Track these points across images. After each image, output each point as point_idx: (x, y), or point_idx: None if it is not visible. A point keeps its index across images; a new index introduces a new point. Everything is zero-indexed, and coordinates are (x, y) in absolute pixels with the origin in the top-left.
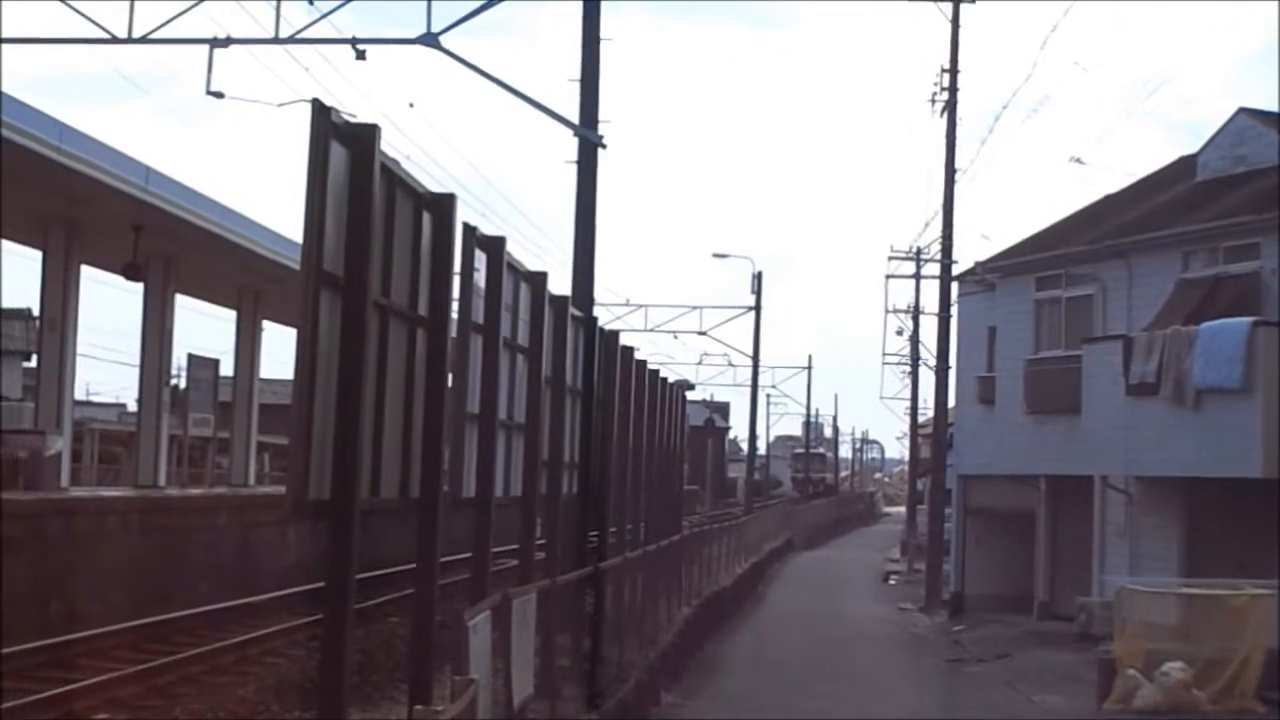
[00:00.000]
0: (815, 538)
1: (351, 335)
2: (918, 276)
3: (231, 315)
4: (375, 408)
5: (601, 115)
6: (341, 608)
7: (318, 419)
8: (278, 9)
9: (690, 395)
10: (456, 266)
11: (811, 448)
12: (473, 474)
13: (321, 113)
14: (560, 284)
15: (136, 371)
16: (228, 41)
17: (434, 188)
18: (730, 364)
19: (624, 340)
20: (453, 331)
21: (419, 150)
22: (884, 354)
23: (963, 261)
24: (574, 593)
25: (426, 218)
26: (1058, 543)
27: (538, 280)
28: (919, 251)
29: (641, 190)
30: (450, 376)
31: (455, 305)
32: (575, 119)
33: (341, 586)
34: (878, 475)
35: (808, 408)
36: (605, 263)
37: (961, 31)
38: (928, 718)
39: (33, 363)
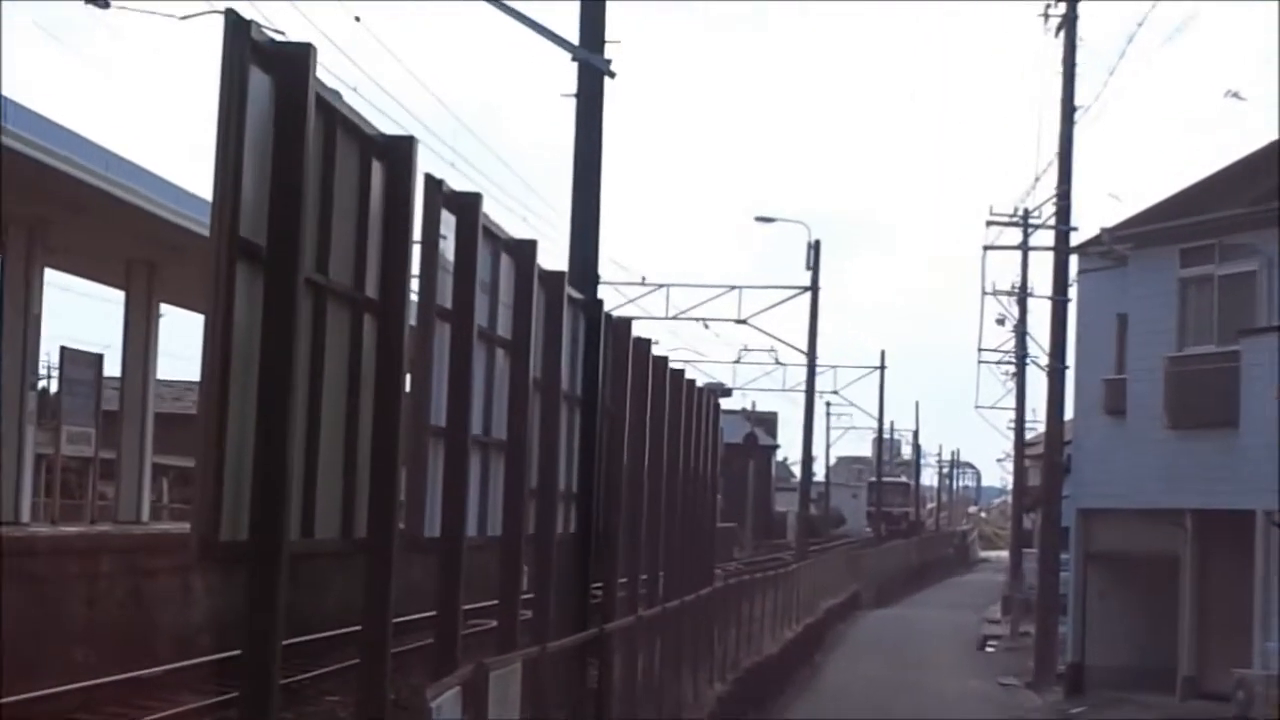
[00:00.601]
0: (889, 591)
1: (277, 323)
2: (1025, 248)
3: (119, 296)
4: (309, 419)
5: (609, 35)
6: (264, 682)
7: (232, 434)
8: None
9: (725, 403)
10: (417, 233)
11: (891, 475)
12: (437, 507)
13: (238, 28)
14: (555, 257)
15: None
16: None
17: (388, 129)
18: (778, 362)
19: (638, 330)
20: (412, 318)
21: (368, 81)
22: (980, 350)
23: (1084, 228)
24: (571, 663)
25: (378, 168)
26: (1208, 598)
27: (524, 251)
28: (1026, 215)
29: (661, 138)
30: (408, 378)
31: (415, 284)
32: (575, 39)
33: (264, 654)
34: (972, 509)
35: (880, 420)
36: (614, 230)
37: None
38: None
39: None
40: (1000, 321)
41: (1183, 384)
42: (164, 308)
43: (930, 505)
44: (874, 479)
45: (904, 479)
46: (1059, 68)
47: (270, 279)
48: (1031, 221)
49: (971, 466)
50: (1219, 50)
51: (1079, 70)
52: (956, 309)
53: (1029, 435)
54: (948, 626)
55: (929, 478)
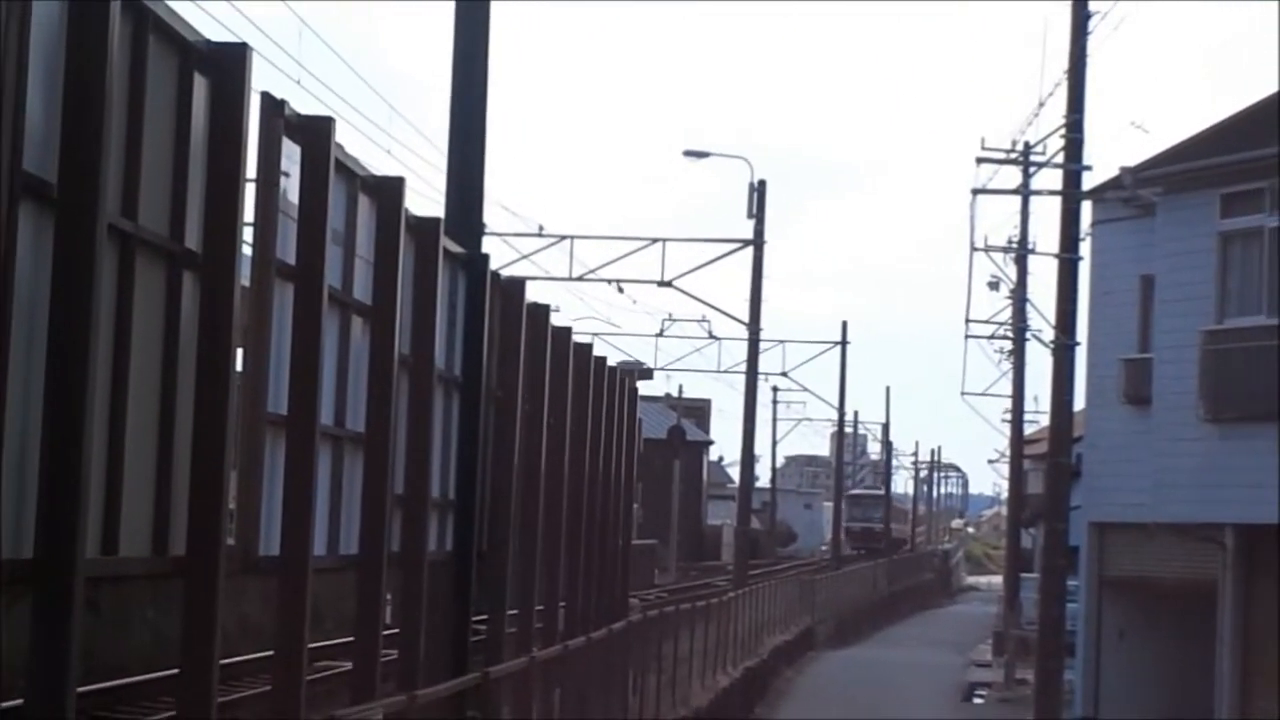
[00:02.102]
0: (852, 626)
1: (72, 281)
2: (1025, 192)
3: None
4: (112, 405)
5: None
6: None
7: (12, 423)
8: None
9: (645, 387)
10: (251, 169)
11: (854, 478)
12: (277, 518)
13: None
14: (429, 201)
15: None
16: None
17: (214, 34)
18: (712, 336)
19: (534, 294)
20: (245, 277)
21: None
22: (968, 321)
23: (1100, 168)
24: (447, 716)
25: (201, 84)
26: (1254, 636)
27: (389, 191)
28: (1027, 150)
29: (569, 55)
30: (240, 353)
31: (249, 233)
32: None
33: (53, 704)
34: (956, 523)
35: (841, 410)
36: (504, 168)
37: None
38: None
39: None
40: (994, 285)
41: (1223, 365)
42: None
43: (906, 518)
44: (853, 491)
45: (878, 488)
46: None
47: (63, 225)
48: (1033, 159)
49: (956, 469)
50: None
51: None
52: (938, 270)
53: (1029, 430)
54: (925, 671)
55: (902, 483)
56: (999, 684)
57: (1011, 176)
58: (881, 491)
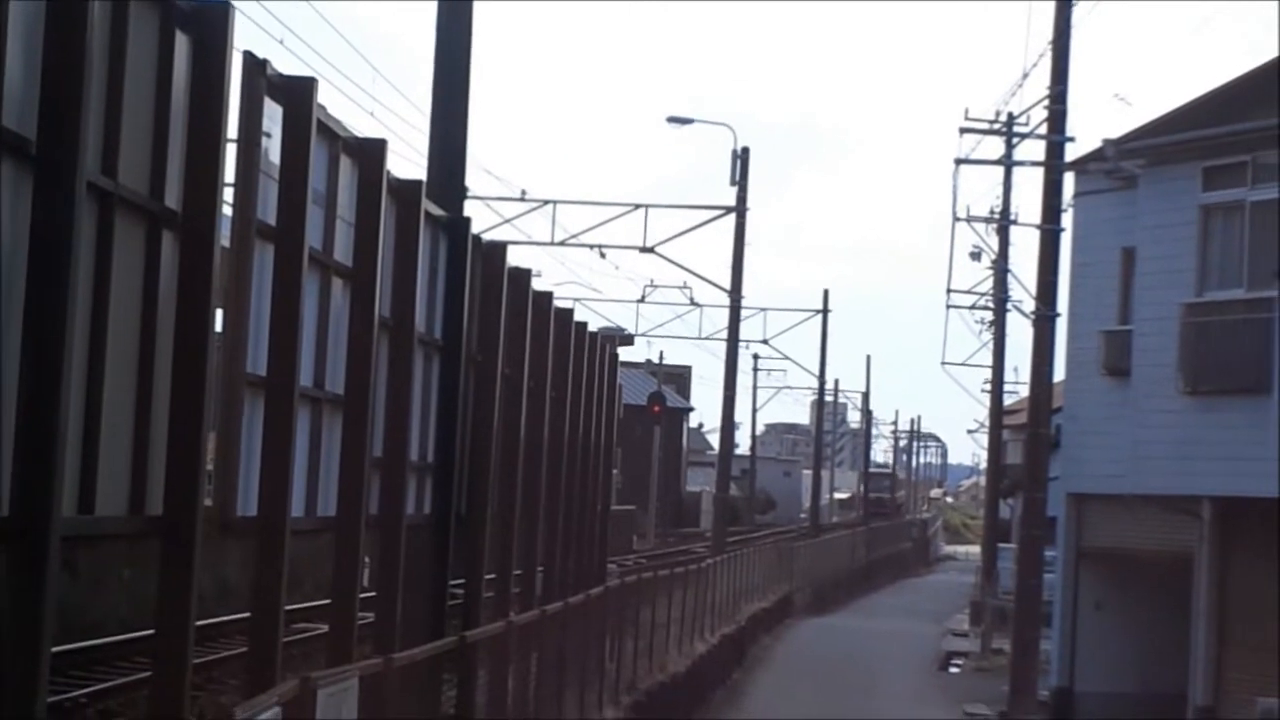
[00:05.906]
0: (830, 594)
1: (50, 239)
2: (1008, 162)
3: None
4: (90, 363)
5: None
6: (27, 698)
7: None
8: None
9: (626, 353)
10: (232, 129)
11: (877, 467)
12: (255, 478)
13: None
14: (410, 164)
15: None
16: None
17: None
18: (693, 302)
19: (516, 258)
20: (225, 237)
21: None
22: (949, 291)
23: (1083, 139)
24: (423, 680)
25: (182, 43)
26: (1229, 608)
27: (371, 153)
28: (1010, 121)
29: (553, 19)
30: (220, 314)
31: (230, 193)
32: None
33: (28, 662)
34: (935, 492)
35: (821, 378)
36: (488, 132)
37: None
38: None
39: None
40: (975, 256)
41: (1203, 338)
42: None
43: (900, 492)
44: (873, 470)
45: (887, 467)
46: None
47: (42, 183)
48: (1016, 129)
49: (935, 439)
50: None
51: None
52: (920, 240)
53: (1008, 400)
54: (902, 640)
55: (881, 453)
56: (975, 653)
57: (995, 147)
58: (888, 469)
